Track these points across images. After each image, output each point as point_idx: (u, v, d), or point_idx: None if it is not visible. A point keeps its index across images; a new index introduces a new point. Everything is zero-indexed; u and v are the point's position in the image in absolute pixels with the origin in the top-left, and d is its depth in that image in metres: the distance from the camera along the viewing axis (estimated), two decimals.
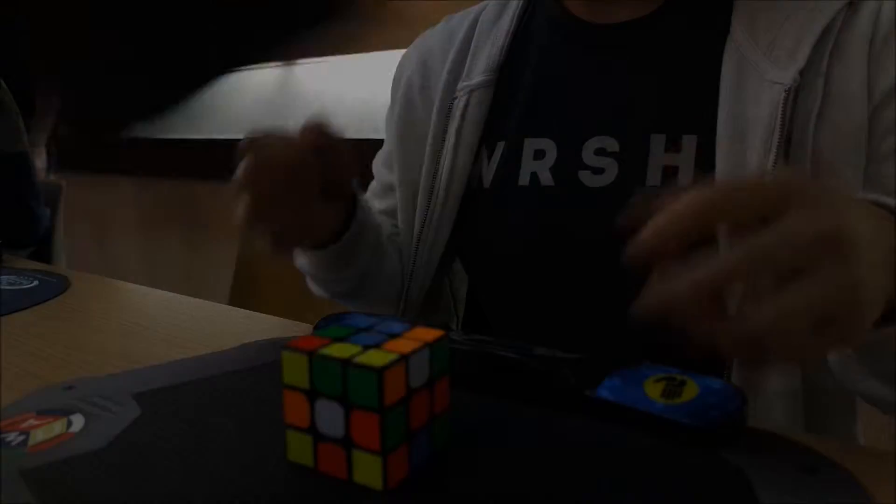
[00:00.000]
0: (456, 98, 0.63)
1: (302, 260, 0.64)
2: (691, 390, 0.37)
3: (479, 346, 0.43)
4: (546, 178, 0.57)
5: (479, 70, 0.63)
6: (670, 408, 0.36)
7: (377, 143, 0.75)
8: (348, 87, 1.77)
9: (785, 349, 0.30)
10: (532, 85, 0.61)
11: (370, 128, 1.72)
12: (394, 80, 0.72)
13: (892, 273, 0.33)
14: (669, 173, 0.53)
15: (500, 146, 0.61)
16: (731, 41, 0.53)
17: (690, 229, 0.30)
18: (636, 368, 0.39)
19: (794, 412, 0.51)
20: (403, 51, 0.73)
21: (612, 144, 0.55)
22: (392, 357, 0.30)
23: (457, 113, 0.62)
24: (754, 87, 0.51)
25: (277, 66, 1.89)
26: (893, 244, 0.33)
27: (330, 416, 0.31)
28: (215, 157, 2.08)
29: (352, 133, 1.94)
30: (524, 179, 0.58)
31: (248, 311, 0.63)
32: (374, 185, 0.75)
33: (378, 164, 0.74)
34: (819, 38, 0.49)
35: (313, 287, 0.68)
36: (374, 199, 0.73)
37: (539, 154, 0.58)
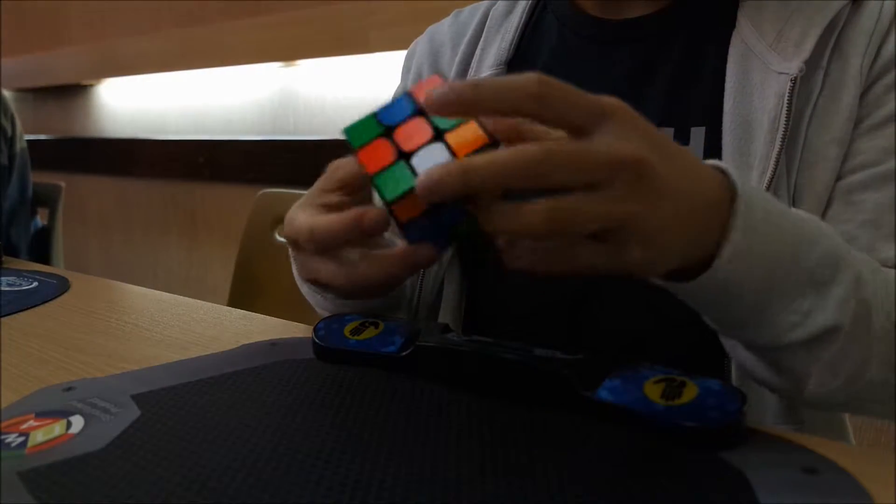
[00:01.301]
0: None
1: (318, 298, 0.60)
2: (691, 391, 0.37)
3: (479, 347, 0.43)
4: None
5: (488, 64, 0.63)
6: (670, 409, 0.36)
7: None
8: (348, 88, 1.77)
9: (553, 253, 0.32)
10: None
11: None
12: (403, 68, 0.72)
13: (698, 228, 0.35)
14: None
15: None
16: (737, 35, 0.54)
17: (503, 106, 0.32)
18: (636, 369, 0.39)
19: (786, 415, 0.52)
20: (404, 52, 0.73)
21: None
22: None
23: None
24: (760, 79, 0.52)
25: (277, 66, 1.89)
26: (702, 203, 0.35)
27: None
28: (216, 157, 2.08)
29: None
30: None
31: (247, 312, 0.63)
32: None
33: None
34: (823, 32, 0.50)
35: (313, 301, 0.66)
36: None
37: None
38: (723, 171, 0.37)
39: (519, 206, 0.31)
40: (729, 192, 0.36)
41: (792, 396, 0.46)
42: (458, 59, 0.65)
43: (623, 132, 0.32)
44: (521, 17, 0.65)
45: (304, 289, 0.60)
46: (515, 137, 0.36)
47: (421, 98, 0.37)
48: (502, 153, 0.31)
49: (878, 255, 0.48)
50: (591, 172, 0.31)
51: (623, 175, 0.31)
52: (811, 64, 0.50)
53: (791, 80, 0.49)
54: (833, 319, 0.39)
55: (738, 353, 0.45)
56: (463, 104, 0.32)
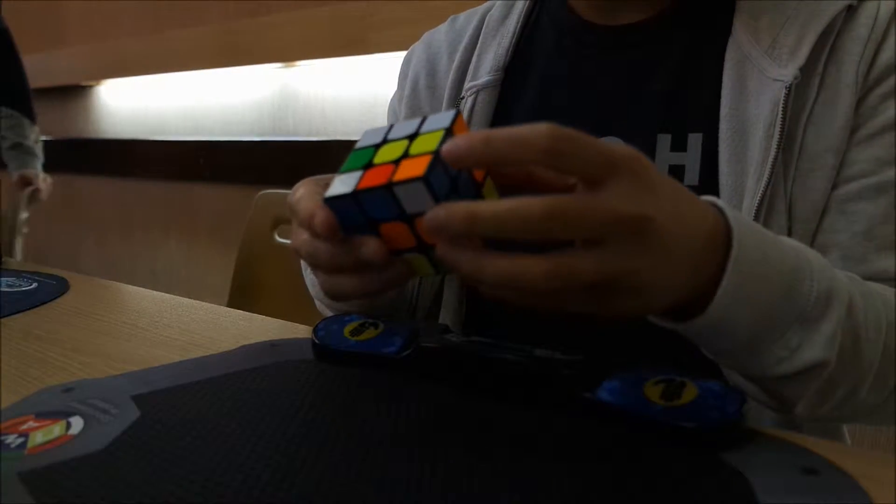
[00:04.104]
0: (463, 98, 0.63)
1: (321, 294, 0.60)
2: (690, 392, 0.37)
3: (479, 347, 0.43)
4: None
5: (485, 70, 0.63)
6: (670, 410, 0.36)
7: None
8: (348, 88, 1.77)
9: (542, 296, 0.32)
10: (538, 86, 0.62)
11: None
12: (400, 75, 0.72)
13: (691, 270, 0.35)
14: (676, 172, 0.54)
15: None
16: (733, 42, 0.54)
17: (513, 159, 0.32)
18: (636, 371, 0.39)
19: (785, 416, 0.52)
20: (403, 52, 0.73)
21: (619, 144, 0.56)
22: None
23: (464, 115, 0.62)
24: (756, 85, 0.52)
25: (277, 66, 1.89)
26: (699, 247, 0.35)
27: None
28: (216, 157, 2.08)
29: (350, 135, 1.94)
30: None
31: (247, 312, 0.63)
32: None
33: None
34: (819, 38, 0.50)
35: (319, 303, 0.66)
36: None
37: None
38: (719, 209, 0.37)
39: (516, 262, 0.31)
40: (724, 231, 0.37)
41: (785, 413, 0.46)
42: (454, 65, 0.65)
43: (631, 187, 0.32)
44: (518, 23, 0.64)
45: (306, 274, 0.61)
46: (524, 181, 0.37)
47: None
48: (506, 205, 0.31)
49: (871, 266, 0.48)
50: (592, 229, 0.31)
51: (625, 232, 0.32)
52: (806, 70, 0.50)
53: (786, 88, 0.49)
54: (820, 355, 0.39)
55: (731, 372, 0.46)
56: (475, 159, 0.32)
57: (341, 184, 0.36)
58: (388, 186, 0.34)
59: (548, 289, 0.31)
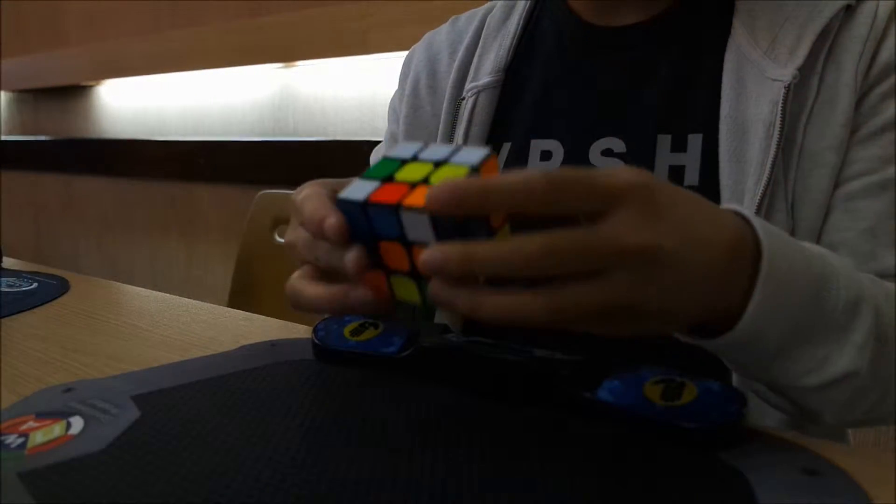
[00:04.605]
0: (464, 99, 0.63)
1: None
2: (691, 392, 0.37)
3: (479, 347, 0.43)
4: None
5: (486, 71, 0.63)
6: (670, 410, 0.36)
7: (376, 145, 0.75)
8: (348, 88, 1.77)
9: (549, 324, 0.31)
10: (539, 86, 0.62)
11: (369, 129, 1.72)
12: (401, 75, 0.72)
13: (714, 291, 0.34)
14: (676, 172, 0.54)
15: (506, 147, 0.61)
16: (732, 42, 0.54)
17: (511, 209, 0.31)
18: (636, 371, 0.39)
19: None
20: (403, 52, 0.73)
21: (619, 145, 0.56)
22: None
23: (464, 115, 0.62)
24: (755, 86, 0.52)
25: (277, 66, 1.89)
26: (723, 265, 0.34)
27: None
28: (216, 157, 2.08)
29: (350, 135, 1.93)
30: None
31: (246, 312, 0.63)
32: None
33: (379, 156, 0.74)
34: (817, 38, 0.50)
35: None
36: None
37: (546, 155, 0.59)
38: (744, 218, 0.36)
39: (515, 299, 0.30)
40: (752, 243, 0.35)
41: (812, 423, 0.45)
42: (455, 65, 0.65)
43: (636, 216, 0.31)
44: (519, 24, 0.64)
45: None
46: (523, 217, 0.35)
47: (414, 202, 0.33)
48: (506, 246, 0.30)
49: (880, 263, 0.48)
50: (594, 262, 0.30)
51: (628, 263, 0.30)
52: (805, 70, 0.50)
53: (785, 87, 0.49)
54: (850, 366, 0.38)
55: (754, 383, 0.45)
56: (472, 208, 0.31)
57: (357, 189, 0.35)
58: (396, 207, 0.33)
59: (550, 322, 0.30)
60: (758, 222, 0.36)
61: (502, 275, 0.30)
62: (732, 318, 0.35)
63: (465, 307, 0.31)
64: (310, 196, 0.39)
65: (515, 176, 0.30)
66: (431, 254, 0.30)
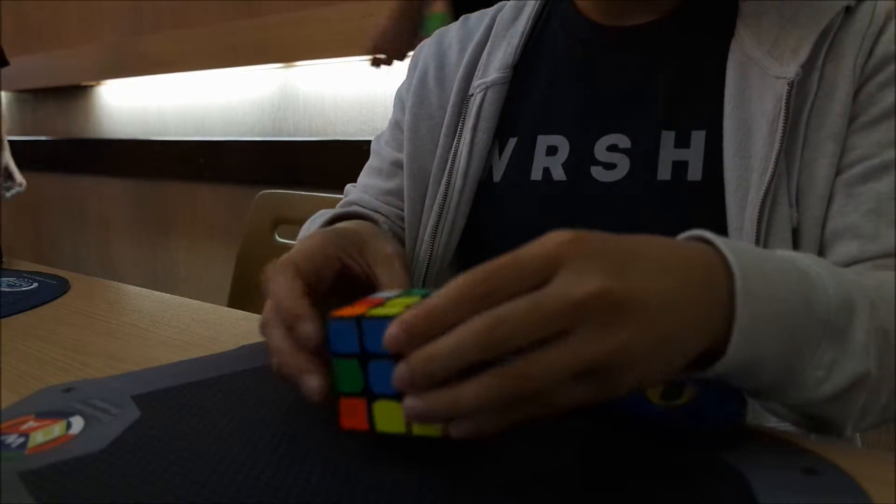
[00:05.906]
0: (472, 95, 0.64)
1: None
2: (690, 392, 0.37)
3: None
4: (558, 174, 0.59)
5: (494, 68, 0.65)
6: (670, 410, 0.36)
7: None
8: (348, 88, 1.77)
9: (525, 405, 0.30)
10: (546, 84, 0.63)
11: (369, 129, 1.72)
12: (409, 66, 0.73)
13: (696, 319, 0.33)
14: (679, 168, 0.55)
15: (512, 142, 0.62)
16: (735, 43, 0.55)
17: (457, 322, 0.30)
18: None
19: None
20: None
21: (624, 141, 0.57)
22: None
23: (472, 110, 0.63)
24: (758, 84, 0.53)
25: (277, 66, 1.89)
26: (693, 294, 0.33)
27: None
28: (216, 157, 2.08)
29: (350, 135, 1.94)
30: (536, 174, 0.60)
31: (246, 312, 0.63)
32: (377, 165, 0.73)
33: (381, 143, 0.74)
34: (818, 38, 0.52)
35: None
36: (379, 180, 0.72)
37: (552, 150, 0.60)
38: (707, 241, 0.36)
39: (486, 379, 0.30)
40: (720, 260, 0.35)
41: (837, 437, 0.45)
42: (465, 61, 0.66)
43: (578, 270, 0.30)
44: (527, 24, 0.66)
45: None
46: None
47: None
48: (453, 337, 0.30)
49: (883, 242, 0.48)
50: (551, 325, 0.30)
51: (588, 314, 0.30)
52: (807, 67, 0.51)
53: (788, 84, 0.50)
54: (859, 368, 0.37)
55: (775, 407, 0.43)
56: (423, 337, 0.31)
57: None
58: (359, 319, 0.33)
59: (533, 391, 0.30)
60: (721, 241, 0.35)
61: (467, 359, 0.30)
62: (724, 342, 0.34)
63: (445, 405, 0.30)
64: (281, 287, 0.40)
65: (446, 289, 0.30)
66: (398, 369, 0.31)
